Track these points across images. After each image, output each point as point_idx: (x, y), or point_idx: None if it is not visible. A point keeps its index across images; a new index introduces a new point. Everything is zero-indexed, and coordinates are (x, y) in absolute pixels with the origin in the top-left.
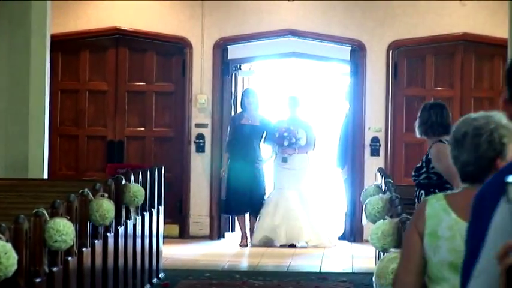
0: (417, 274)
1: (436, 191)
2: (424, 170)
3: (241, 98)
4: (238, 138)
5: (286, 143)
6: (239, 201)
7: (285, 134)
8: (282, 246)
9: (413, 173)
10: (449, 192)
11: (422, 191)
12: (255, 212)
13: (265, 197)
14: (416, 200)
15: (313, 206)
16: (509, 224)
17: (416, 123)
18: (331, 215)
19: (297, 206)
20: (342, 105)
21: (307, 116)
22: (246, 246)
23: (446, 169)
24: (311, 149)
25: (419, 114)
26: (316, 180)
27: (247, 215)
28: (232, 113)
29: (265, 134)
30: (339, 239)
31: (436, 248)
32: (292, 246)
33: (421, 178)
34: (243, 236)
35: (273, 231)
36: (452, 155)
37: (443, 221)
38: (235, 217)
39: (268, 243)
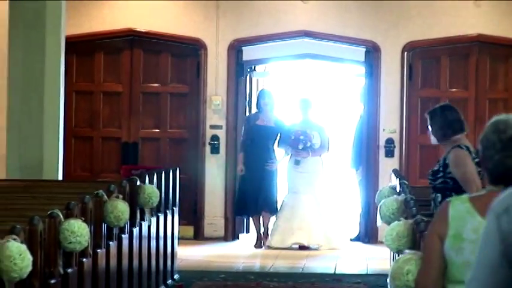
0: (438, 277)
1: (453, 194)
2: (441, 174)
3: (257, 99)
4: (253, 139)
5: (301, 147)
6: (252, 202)
7: (301, 137)
8: (294, 248)
9: (429, 176)
10: (473, 194)
11: (439, 194)
12: (270, 211)
13: (278, 197)
14: (432, 203)
15: (326, 209)
16: (494, 236)
17: (431, 131)
18: (344, 218)
19: (311, 210)
20: (356, 106)
21: (320, 118)
22: (261, 247)
23: (463, 175)
24: (325, 152)
25: (431, 122)
26: (330, 182)
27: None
28: (247, 114)
29: (279, 136)
30: (354, 240)
31: (459, 249)
32: (304, 248)
33: (437, 182)
34: (258, 237)
35: (288, 235)
36: (488, 156)
37: (468, 223)
38: (250, 218)
39: (282, 245)
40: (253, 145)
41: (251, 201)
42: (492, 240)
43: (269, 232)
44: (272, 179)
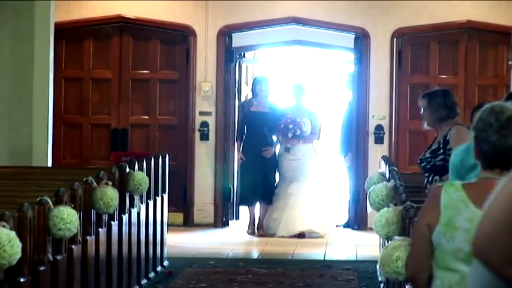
0: (426, 262)
1: None
2: (441, 151)
3: (253, 85)
4: (248, 125)
5: (290, 135)
6: (253, 190)
7: (290, 126)
8: (283, 236)
9: (428, 155)
10: (467, 181)
11: (437, 176)
12: (267, 199)
13: (276, 185)
14: (428, 185)
15: (317, 197)
16: None
17: (427, 113)
18: (333, 205)
19: (302, 198)
20: (345, 93)
21: (313, 104)
22: (254, 234)
23: None
24: (316, 139)
25: (429, 104)
26: (321, 169)
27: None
28: (236, 101)
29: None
30: (344, 227)
31: (451, 237)
32: (302, 236)
33: (437, 159)
34: (251, 223)
35: (274, 223)
36: (483, 138)
37: (462, 212)
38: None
39: (271, 234)
40: (248, 132)
41: (251, 188)
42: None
43: (263, 222)
44: (270, 167)
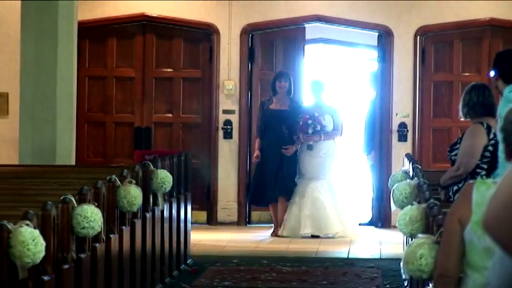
0: (458, 260)
1: None
2: (457, 146)
3: (272, 81)
4: (267, 123)
5: (311, 131)
6: (270, 189)
7: (309, 121)
8: (305, 237)
9: (448, 149)
10: (498, 179)
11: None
12: (288, 194)
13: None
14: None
15: (340, 196)
16: None
17: (460, 106)
18: (357, 204)
19: (324, 196)
20: (368, 91)
21: (333, 101)
22: (278, 236)
23: (465, 147)
24: (338, 135)
25: (462, 97)
26: (344, 167)
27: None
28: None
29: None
30: (367, 225)
31: (482, 235)
32: (316, 237)
33: (452, 154)
34: (275, 225)
35: (300, 224)
36: None
37: None
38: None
39: (295, 234)
40: (267, 130)
41: (268, 188)
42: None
43: (283, 220)
44: (290, 164)
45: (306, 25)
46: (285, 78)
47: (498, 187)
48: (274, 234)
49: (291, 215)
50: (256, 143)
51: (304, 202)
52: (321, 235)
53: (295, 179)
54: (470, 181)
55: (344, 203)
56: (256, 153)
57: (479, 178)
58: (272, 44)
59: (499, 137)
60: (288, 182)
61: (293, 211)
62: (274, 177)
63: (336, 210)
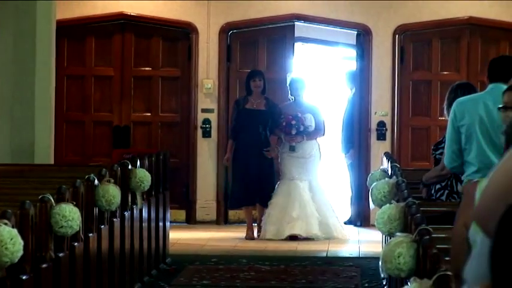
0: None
1: None
2: (442, 145)
3: (246, 81)
4: (243, 123)
5: (294, 132)
6: (247, 193)
7: (293, 122)
8: (292, 238)
9: (432, 147)
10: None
11: None
12: (265, 202)
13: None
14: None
15: (323, 197)
16: None
17: (444, 105)
18: (336, 202)
19: (308, 198)
20: (344, 90)
21: (314, 100)
22: (253, 239)
23: None
24: (321, 135)
25: (446, 96)
26: (325, 167)
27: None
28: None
29: (270, 121)
30: (346, 223)
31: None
32: (294, 238)
33: (437, 153)
34: (249, 228)
35: (283, 225)
36: None
37: None
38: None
39: (278, 236)
40: (243, 131)
41: (245, 191)
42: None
43: (261, 224)
44: (268, 167)
45: (284, 24)
46: (259, 77)
47: (489, 180)
48: (249, 237)
49: (272, 217)
50: (229, 145)
51: (287, 203)
52: (307, 236)
53: (276, 183)
54: (473, 180)
55: (327, 205)
56: (228, 155)
57: (466, 178)
58: (253, 43)
59: (502, 139)
60: (266, 187)
61: (275, 213)
62: (252, 181)
63: (319, 212)
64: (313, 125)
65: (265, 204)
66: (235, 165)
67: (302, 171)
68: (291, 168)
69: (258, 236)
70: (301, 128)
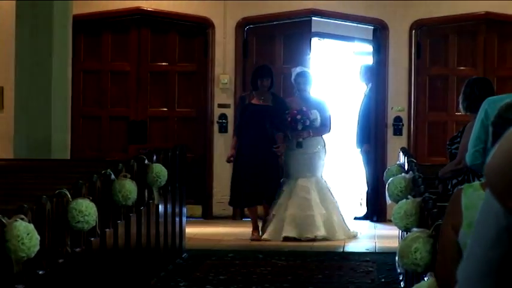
0: (455, 266)
1: None
2: (458, 139)
3: (253, 77)
4: (248, 120)
5: (300, 127)
6: (250, 192)
7: (298, 116)
8: (287, 239)
9: (447, 142)
10: (483, 180)
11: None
12: (271, 200)
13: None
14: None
15: (329, 195)
16: (495, 210)
17: (460, 99)
18: (350, 200)
19: (312, 196)
20: (360, 85)
21: (321, 94)
22: (259, 240)
23: (466, 142)
24: (327, 132)
25: (462, 90)
26: (332, 164)
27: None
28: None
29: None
30: (362, 219)
31: None
32: (289, 239)
33: (453, 147)
34: (255, 229)
35: (281, 225)
36: (502, 134)
37: None
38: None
39: (275, 237)
40: (248, 128)
41: (248, 191)
42: (493, 215)
43: (266, 224)
44: (273, 165)
45: (301, 19)
46: (267, 76)
47: (502, 139)
48: (255, 237)
49: (274, 218)
50: (233, 142)
51: (291, 202)
52: (302, 238)
53: (281, 180)
54: (459, 187)
55: (332, 203)
56: (232, 152)
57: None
58: (270, 38)
59: (490, 130)
60: (272, 185)
61: (278, 213)
62: (257, 179)
63: (324, 211)
64: (319, 120)
65: (271, 203)
66: (237, 163)
67: (307, 168)
68: (295, 166)
69: (263, 236)
70: (307, 122)
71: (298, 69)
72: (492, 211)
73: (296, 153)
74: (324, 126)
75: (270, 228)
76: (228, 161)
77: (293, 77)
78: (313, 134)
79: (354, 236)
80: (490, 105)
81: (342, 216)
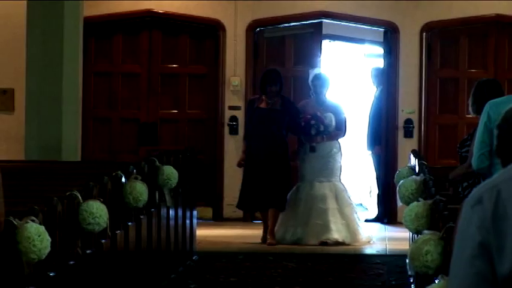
0: None
1: None
2: (468, 142)
3: (261, 81)
4: (257, 123)
5: (313, 132)
6: (257, 196)
7: (312, 121)
8: (308, 244)
9: (458, 145)
10: None
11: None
12: (280, 205)
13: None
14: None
15: (345, 199)
16: (471, 228)
17: (470, 102)
18: (361, 202)
19: (328, 201)
20: (370, 87)
21: (337, 98)
22: (274, 244)
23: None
24: (341, 136)
25: (472, 92)
26: (347, 167)
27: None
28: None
29: (287, 120)
30: (373, 221)
31: None
32: (324, 244)
33: (463, 150)
34: (271, 233)
35: (299, 228)
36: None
37: None
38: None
39: (293, 241)
40: (256, 131)
41: (256, 196)
42: (469, 232)
43: (273, 229)
44: (284, 171)
45: (311, 22)
46: (275, 82)
47: None
48: (268, 243)
49: (284, 225)
50: (243, 146)
51: (302, 208)
52: (317, 243)
53: (297, 185)
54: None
55: (350, 206)
56: (242, 156)
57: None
58: (280, 40)
59: (494, 133)
60: (280, 190)
61: (283, 216)
62: (265, 185)
63: (340, 218)
64: (334, 124)
65: (279, 208)
66: (246, 167)
67: (322, 171)
68: (310, 170)
69: (270, 240)
70: (321, 128)
71: (315, 71)
72: (469, 228)
73: (311, 157)
74: (339, 131)
75: (283, 233)
76: (239, 165)
77: (310, 78)
78: (326, 138)
79: (368, 242)
80: (492, 108)
81: (358, 220)
